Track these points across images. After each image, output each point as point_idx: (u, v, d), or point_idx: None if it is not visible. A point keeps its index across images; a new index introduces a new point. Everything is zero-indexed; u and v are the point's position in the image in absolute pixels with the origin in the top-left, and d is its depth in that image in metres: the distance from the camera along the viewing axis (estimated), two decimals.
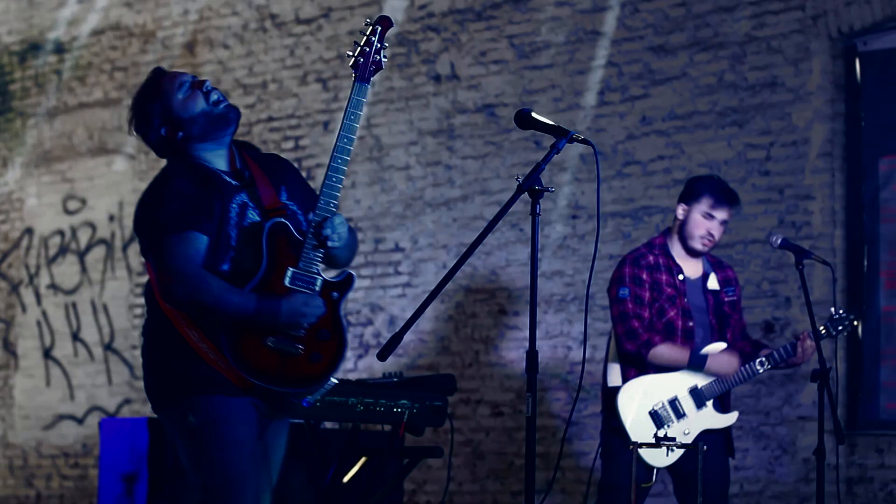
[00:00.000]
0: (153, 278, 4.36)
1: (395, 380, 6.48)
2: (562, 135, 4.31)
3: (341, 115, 10.39)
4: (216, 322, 4.28)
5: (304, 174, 9.66)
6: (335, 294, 4.44)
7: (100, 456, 7.83)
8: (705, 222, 6.21)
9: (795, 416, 7.78)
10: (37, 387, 11.14)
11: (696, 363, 6.10)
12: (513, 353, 8.79)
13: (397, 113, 9.37)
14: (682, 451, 5.81)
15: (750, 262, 7.94)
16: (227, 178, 4.45)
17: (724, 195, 6.25)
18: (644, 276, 6.20)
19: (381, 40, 4.52)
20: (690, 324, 6.18)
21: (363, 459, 6.51)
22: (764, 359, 6.12)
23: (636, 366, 6.19)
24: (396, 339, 4.14)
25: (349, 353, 9.36)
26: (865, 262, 7.77)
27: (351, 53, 4.52)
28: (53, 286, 11.19)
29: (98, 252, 10.97)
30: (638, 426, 6.06)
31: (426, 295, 4.34)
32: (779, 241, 6.05)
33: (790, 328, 7.74)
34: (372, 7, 9.59)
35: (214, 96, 4.50)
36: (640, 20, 8.50)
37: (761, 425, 7.80)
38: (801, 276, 5.91)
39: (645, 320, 6.17)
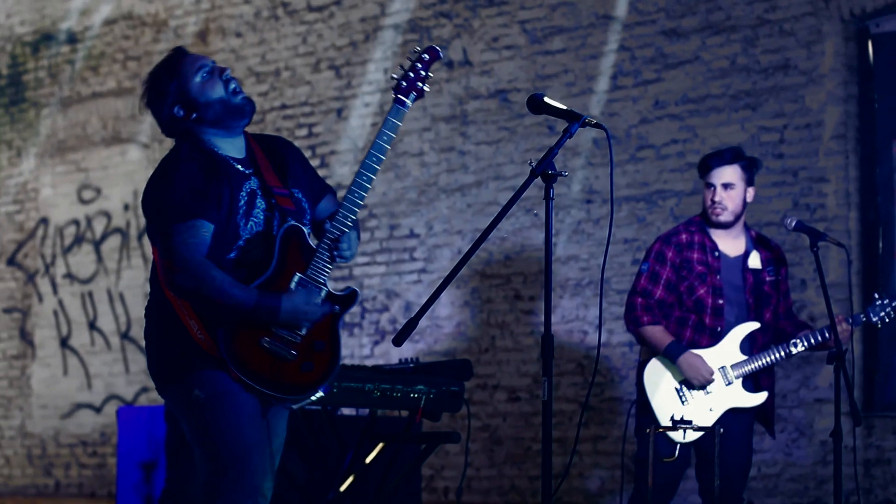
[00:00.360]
0: (158, 264, 4.37)
1: (412, 365, 6.49)
2: (575, 119, 4.31)
3: (354, 101, 10.39)
4: (216, 316, 4.29)
5: (317, 161, 9.73)
6: (336, 308, 4.44)
7: (118, 444, 7.86)
8: (708, 193, 6.22)
9: (812, 399, 7.78)
10: (54, 376, 11.18)
11: (670, 354, 6.11)
12: (529, 337, 8.80)
13: None
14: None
15: None
16: (237, 166, 4.46)
17: (710, 158, 6.25)
18: (669, 254, 6.20)
19: (426, 69, 4.56)
20: (720, 301, 6.15)
21: (380, 445, 6.52)
22: (798, 340, 6.11)
23: None
24: (412, 324, 4.16)
25: (366, 340, 9.37)
26: (880, 244, 7.77)
27: (395, 76, 4.55)
28: (69, 275, 11.22)
29: (113, 241, 11.00)
30: (663, 401, 6.08)
31: (441, 280, 4.34)
32: (793, 223, 6.04)
33: (806, 311, 7.74)
34: None
35: (233, 85, 4.49)
36: (652, 4, 8.49)
37: (778, 408, 7.79)
38: (816, 258, 5.90)
39: (653, 297, 6.18)
